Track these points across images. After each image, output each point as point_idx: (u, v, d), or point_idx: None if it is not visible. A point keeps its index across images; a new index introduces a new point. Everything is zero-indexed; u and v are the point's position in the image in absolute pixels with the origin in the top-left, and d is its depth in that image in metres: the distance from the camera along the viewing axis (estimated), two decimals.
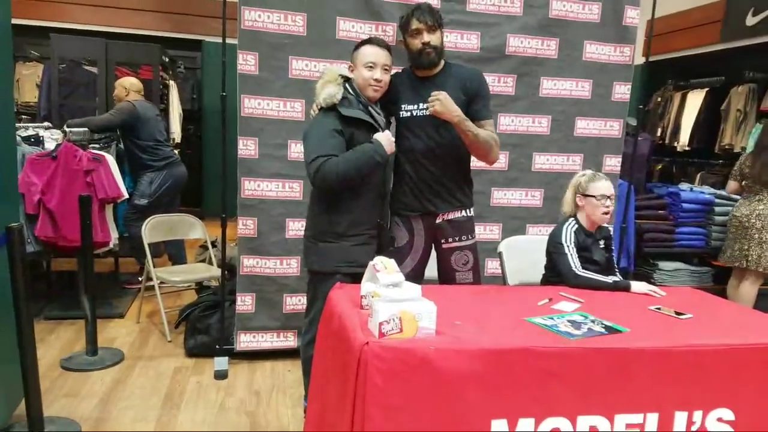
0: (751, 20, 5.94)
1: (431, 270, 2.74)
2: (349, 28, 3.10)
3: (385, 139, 2.37)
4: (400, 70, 2.65)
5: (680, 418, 1.88)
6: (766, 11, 5.72)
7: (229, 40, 3.04)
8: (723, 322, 2.15)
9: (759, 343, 1.92)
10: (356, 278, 2.38)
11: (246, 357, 3.35)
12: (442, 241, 2.63)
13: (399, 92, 2.56)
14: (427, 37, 2.47)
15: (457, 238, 2.63)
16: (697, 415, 1.90)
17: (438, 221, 2.61)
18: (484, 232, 3.42)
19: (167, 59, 6.95)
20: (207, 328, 3.40)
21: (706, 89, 6.69)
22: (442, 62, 2.58)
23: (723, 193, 4.67)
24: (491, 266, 3.48)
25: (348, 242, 2.42)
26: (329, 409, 2.00)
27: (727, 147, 6.28)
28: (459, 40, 3.26)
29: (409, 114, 2.55)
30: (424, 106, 2.48)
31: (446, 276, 2.68)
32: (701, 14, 6.67)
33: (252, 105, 3.06)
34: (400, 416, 1.70)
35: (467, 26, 3.25)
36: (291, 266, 3.23)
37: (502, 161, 3.44)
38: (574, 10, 3.35)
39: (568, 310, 2.09)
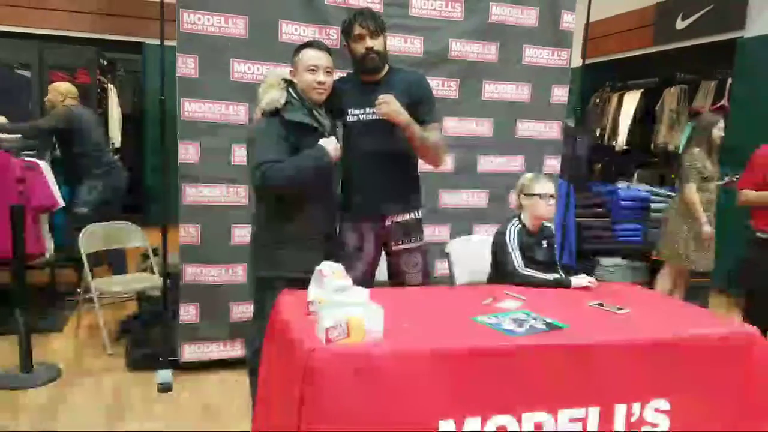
0: (680, 24, 6.24)
1: (382, 273, 2.75)
2: (292, 31, 3.07)
3: (330, 144, 2.35)
4: (345, 75, 2.64)
5: (620, 411, 1.94)
6: (695, 16, 6.02)
7: (169, 43, 2.96)
8: (658, 316, 2.24)
9: (692, 335, 2.01)
10: (305, 284, 2.36)
11: (192, 369, 3.26)
12: (392, 243, 2.64)
13: (345, 97, 2.55)
14: (369, 42, 2.47)
15: (406, 241, 2.64)
16: (636, 407, 1.96)
17: (387, 224, 2.61)
18: (433, 233, 3.45)
19: (105, 62, 6.73)
20: (149, 339, 3.31)
21: (642, 90, 6.98)
22: (387, 67, 2.59)
23: (659, 189, 4.88)
24: (440, 267, 3.51)
25: (295, 248, 2.38)
26: (276, 418, 1.97)
27: (662, 145, 6.56)
28: (402, 45, 3.28)
29: (356, 119, 2.54)
30: (371, 111, 2.48)
31: (396, 278, 2.69)
32: (634, 18, 6.96)
33: (192, 109, 2.99)
34: (348, 421, 1.69)
35: (410, 30, 3.28)
36: (237, 274, 3.17)
37: (448, 164, 3.48)
38: (512, 14, 3.43)
39: (512, 308, 2.13)
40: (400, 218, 2.62)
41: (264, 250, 2.42)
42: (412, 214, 2.65)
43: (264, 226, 2.44)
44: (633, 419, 1.96)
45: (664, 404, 1.99)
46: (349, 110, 2.54)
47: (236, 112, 3.05)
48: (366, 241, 2.62)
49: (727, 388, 2.04)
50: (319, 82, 2.37)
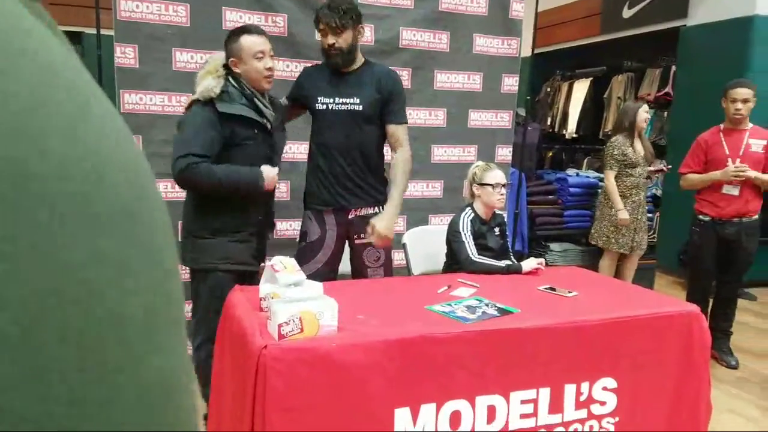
0: (627, 13, 6.39)
1: (345, 265, 2.73)
2: (236, 19, 2.99)
3: (270, 176, 2.28)
4: (319, 63, 2.60)
5: (570, 390, 2.00)
6: (640, 4, 6.18)
7: (108, 32, 2.85)
8: (604, 298, 2.30)
9: (634, 315, 2.07)
10: (241, 277, 2.32)
11: None
12: (354, 237, 2.60)
13: (316, 84, 2.50)
14: (331, 38, 2.42)
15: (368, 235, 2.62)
16: (585, 387, 2.02)
17: (350, 217, 2.57)
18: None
19: None
20: None
21: (590, 79, 7.14)
22: (362, 59, 2.55)
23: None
24: (397, 258, 3.51)
25: (225, 238, 2.31)
26: (228, 417, 1.94)
27: (610, 133, 6.72)
28: None
29: (325, 107, 2.49)
30: (341, 101, 2.45)
31: (358, 272, 2.65)
32: (582, 7, 7.10)
33: (133, 100, 2.89)
34: (303, 417, 1.68)
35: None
36: (185, 272, 3.09)
37: None
38: (462, 3, 3.43)
39: (465, 295, 2.15)
40: (363, 211, 2.58)
41: (194, 241, 2.33)
42: (376, 208, 2.59)
43: (193, 216, 2.35)
44: (582, 398, 2.02)
45: (611, 382, 2.06)
46: (319, 98, 2.49)
47: (179, 103, 2.96)
48: (328, 231, 2.58)
49: (669, 364, 2.12)
50: (269, 69, 2.31)
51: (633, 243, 4.07)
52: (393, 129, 2.55)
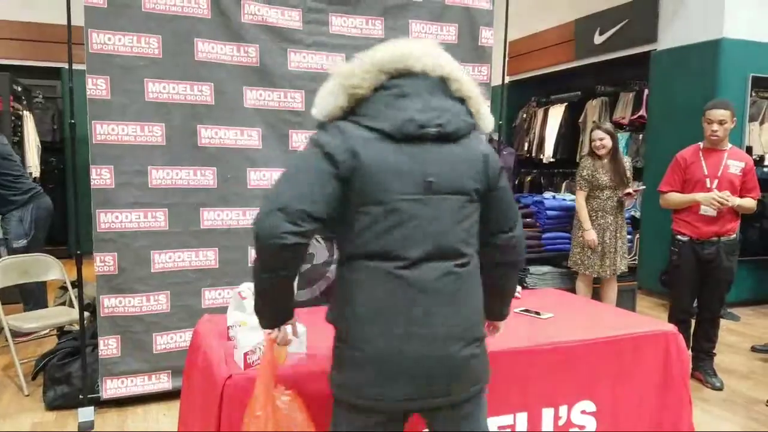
0: (598, 39, 6.52)
1: None
2: (209, 50, 3.00)
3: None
4: None
5: (547, 415, 1.96)
6: (611, 30, 6.31)
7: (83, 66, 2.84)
8: (581, 319, 2.28)
9: (611, 335, 2.05)
10: None
11: (115, 405, 3.08)
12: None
13: None
14: None
15: None
16: (563, 410, 1.99)
17: None
18: None
19: (20, 88, 6.42)
20: (68, 377, 3.10)
21: (565, 104, 7.24)
22: None
23: None
24: None
25: None
26: None
27: (583, 156, 6.80)
28: (324, 62, 3.26)
29: None
30: None
31: None
32: (555, 34, 7.24)
33: (105, 131, 2.86)
34: None
35: (332, 48, 3.26)
36: (159, 302, 3.03)
37: None
38: (432, 31, 3.47)
39: None
40: None
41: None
42: None
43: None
44: (561, 423, 1.98)
45: (590, 405, 2.02)
46: None
47: (152, 132, 2.94)
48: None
49: (648, 385, 2.09)
50: None
51: (602, 267, 4.06)
52: None
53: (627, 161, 4.19)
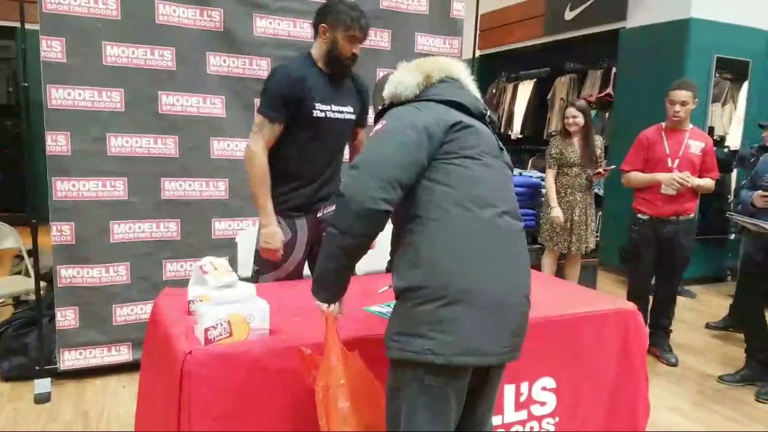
0: (569, 15, 6.51)
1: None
2: (170, 12, 2.88)
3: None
4: (299, 59, 2.38)
5: (509, 391, 1.99)
6: (582, 6, 6.31)
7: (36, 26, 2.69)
8: (543, 296, 2.29)
9: (572, 313, 2.07)
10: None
11: (72, 376, 3.02)
12: (324, 234, 2.52)
13: (313, 88, 2.31)
14: (358, 48, 2.34)
15: None
16: (524, 387, 2.02)
17: (319, 215, 2.49)
18: None
19: None
20: (24, 347, 3.02)
21: (534, 80, 7.25)
22: None
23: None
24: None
25: None
26: (156, 426, 1.84)
27: (553, 133, 6.86)
28: (293, 29, 3.17)
29: (323, 115, 2.34)
30: (337, 109, 2.36)
31: None
32: (525, 9, 7.20)
33: (60, 96, 2.74)
34: (232, 425, 1.61)
35: (299, 14, 3.17)
36: (120, 274, 2.96)
37: (347, 153, 3.42)
38: (403, 1, 3.41)
39: None
40: (330, 208, 2.48)
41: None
42: None
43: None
44: (522, 399, 2.01)
45: (550, 382, 2.06)
46: (317, 104, 2.33)
47: (110, 98, 2.83)
48: (299, 233, 2.45)
49: (607, 362, 2.13)
50: None
51: (570, 243, 4.12)
52: (363, 134, 2.57)
53: (599, 140, 4.21)
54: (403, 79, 1.59)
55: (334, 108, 2.37)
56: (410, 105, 1.55)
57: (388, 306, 1.97)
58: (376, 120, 1.67)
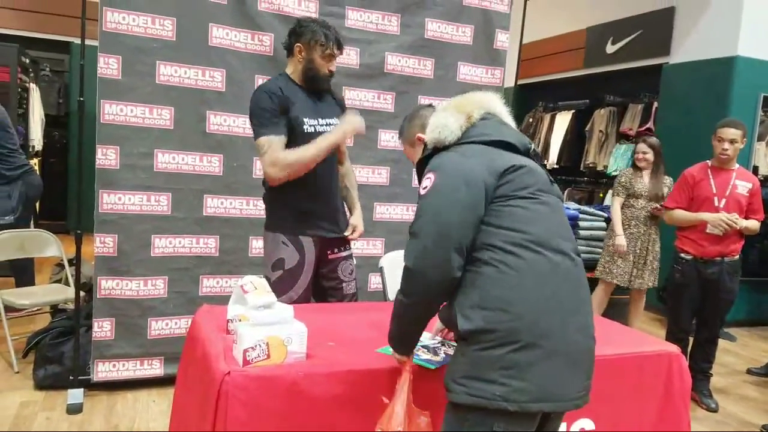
0: (610, 48, 6.48)
1: None
2: (223, 36, 2.96)
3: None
4: (275, 79, 2.43)
5: None
6: (624, 41, 6.28)
7: (94, 43, 2.79)
8: None
9: (614, 353, 2.02)
10: None
11: (105, 388, 3.05)
12: (329, 252, 2.54)
13: (297, 103, 2.36)
14: (334, 65, 2.41)
15: (342, 248, 2.58)
16: (562, 427, 1.96)
17: (329, 253, 2.54)
18: (367, 246, 3.39)
19: (28, 60, 6.36)
20: (60, 356, 3.07)
21: (573, 111, 7.20)
22: None
23: (587, 208, 5.00)
24: (375, 282, 3.45)
25: None
26: None
27: (591, 165, 6.79)
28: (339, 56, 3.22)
29: (312, 129, 2.38)
30: (324, 122, 2.41)
31: (332, 288, 2.58)
32: (566, 41, 7.20)
33: (113, 111, 2.83)
34: None
35: (346, 41, 3.19)
36: (157, 287, 3.00)
37: (384, 176, 3.44)
38: (448, 31, 3.44)
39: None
40: (333, 234, 2.53)
41: None
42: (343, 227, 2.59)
43: None
44: None
45: (589, 424, 2.00)
46: (305, 119, 2.37)
47: (160, 116, 2.90)
48: (307, 254, 2.46)
49: (648, 406, 2.07)
50: None
51: (631, 276, 4.06)
52: (343, 145, 2.59)
53: (668, 180, 4.14)
54: (446, 123, 1.57)
55: (321, 122, 2.41)
56: (455, 151, 1.53)
57: None
58: (419, 168, 1.66)
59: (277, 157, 2.28)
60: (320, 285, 2.58)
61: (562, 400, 1.41)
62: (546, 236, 1.44)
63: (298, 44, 2.38)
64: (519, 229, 1.43)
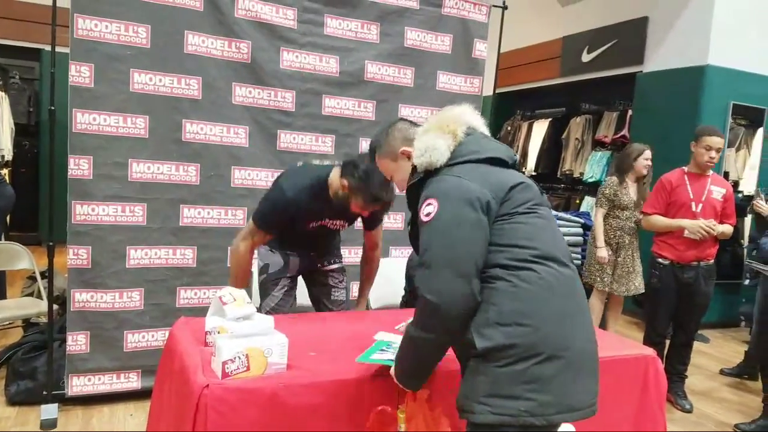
0: (586, 57, 6.58)
1: (302, 297, 2.76)
2: (199, 43, 2.93)
3: None
4: (310, 183, 2.38)
5: None
6: (599, 50, 6.37)
7: (66, 50, 2.74)
8: None
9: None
10: None
11: (80, 402, 2.97)
12: (319, 265, 2.69)
13: (308, 210, 2.41)
14: (367, 213, 2.42)
15: (333, 261, 2.74)
16: None
17: (312, 254, 2.69)
18: (350, 255, 3.36)
19: None
20: (32, 371, 2.99)
21: (550, 119, 7.29)
22: None
23: (563, 214, 5.05)
24: (356, 290, 3.42)
25: None
26: None
27: (567, 172, 6.87)
28: (318, 63, 3.22)
29: (316, 224, 2.51)
30: (331, 222, 2.53)
31: (323, 295, 2.73)
32: (543, 50, 7.28)
33: (86, 120, 2.77)
34: None
35: (325, 49, 3.22)
36: (133, 299, 2.94)
37: None
38: (427, 40, 3.45)
39: None
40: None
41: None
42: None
43: None
44: None
45: (568, 426, 2.00)
46: (310, 223, 2.47)
47: (135, 125, 2.86)
48: (291, 260, 2.63)
49: (625, 408, 2.09)
50: None
51: (618, 284, 4.07)
52: (376, 233, 2.68)
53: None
54: (436, 146, 1.55)
55: (327, 221, 2.51)
56: (450, 174, 1.50)
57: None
58: (411, 193, 1.63)
59: (242, 246, 2.41)
60: (312, 292, 2.76)
61: (582, 408, 1.42)
62: (548, 248, 1.46)
63: (349, 181, 2.27)
64: (524, 245, 1.43)
